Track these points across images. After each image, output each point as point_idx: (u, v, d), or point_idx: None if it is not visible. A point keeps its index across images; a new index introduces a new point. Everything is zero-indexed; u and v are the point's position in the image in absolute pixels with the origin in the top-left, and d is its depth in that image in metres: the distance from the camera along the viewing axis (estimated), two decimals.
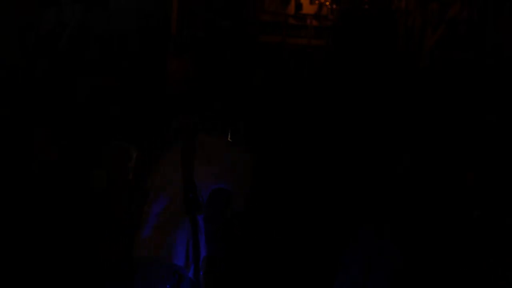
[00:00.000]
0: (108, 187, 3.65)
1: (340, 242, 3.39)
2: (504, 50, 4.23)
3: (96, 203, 3.59)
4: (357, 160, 4.01)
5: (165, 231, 3.13)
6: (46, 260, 3.46)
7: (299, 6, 6.43)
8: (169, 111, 4.55)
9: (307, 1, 6.48)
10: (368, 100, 4.44)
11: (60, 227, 3.50)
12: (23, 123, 3.94)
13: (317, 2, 6.45)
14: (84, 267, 3.50)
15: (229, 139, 3.46)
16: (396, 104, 4.20)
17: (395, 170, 3.46)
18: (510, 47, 4.24)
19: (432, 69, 5.21)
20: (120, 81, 4.77)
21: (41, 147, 3.64)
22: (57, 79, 4.73)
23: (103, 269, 3.53)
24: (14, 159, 3.62)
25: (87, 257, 3.51)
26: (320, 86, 5.21)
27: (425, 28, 5.73)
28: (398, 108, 4.01)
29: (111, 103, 4.34)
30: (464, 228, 2.95)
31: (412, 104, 4.31)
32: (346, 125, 4.35)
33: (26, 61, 4.64)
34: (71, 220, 3.51)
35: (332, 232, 3.55)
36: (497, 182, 3.01)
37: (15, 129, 3.89)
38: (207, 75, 4.76)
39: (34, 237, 3.46)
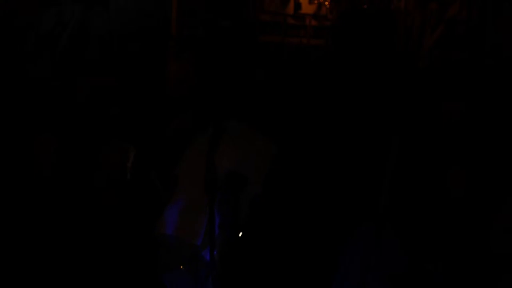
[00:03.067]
0: (106, 186, 3.68)
1: (339, 241, 3.39)
2: (503, 50, 4.22)
3: (96, 203, 3.62)
4: (356, 157, 4.02)
5: (187, 211, 3.26)
6: (46, 260, 3.48)
7: (298, 6, 6.42)
8: (169, 110, 4.57)
9: (306, 1, 6.47)
10: (367, 99, 4.44)
11: (60, 228, 3.52)
12: (23, 124, 3.95)
13: (316, 2, 6.45)
14: (84, 268, 3.52)
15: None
16: (394, 103, 4.21)
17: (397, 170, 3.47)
18: (509, 47, 4.23)
19: (431, 69, 5.21)
20: (120, 81, 4.78)
21: (41, 148, 3.66)
22: (58, 79, 4.74)
23: (104, 270, 3.56)
24: (15, 160, 3.63)
25: (87, 258, 3.53)
26: (319, 86, 5.22)
27: (425, 28, 5.74)
28: (397, 107, 4.02)
29: (111, 103, 4.35)
30: (469, 227, 2.96)
31: (411, 103, 4.31)
32: (345, 124, 4.35)
33: (26, 61, 4.64)
34: (72, 221, 3.53)
35: (331, 231, 3.55)
36: (496, 181, 3.01)
37: (15, 130, 3.90)
38: (208, 75, 4.78)
39: (34, 238, 3.48)
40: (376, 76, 4.80)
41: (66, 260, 3.46)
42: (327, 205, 3.85)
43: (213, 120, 3.48)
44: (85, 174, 3.65)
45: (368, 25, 6.03)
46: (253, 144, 3.35)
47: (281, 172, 3.52)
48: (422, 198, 3.11)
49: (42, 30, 4.97)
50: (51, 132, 3.75)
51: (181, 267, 3.23)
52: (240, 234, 3.27)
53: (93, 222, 3.54)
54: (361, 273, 3.06)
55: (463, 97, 3.53)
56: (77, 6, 5.10)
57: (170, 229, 3.26)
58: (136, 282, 3.56)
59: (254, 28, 6.10)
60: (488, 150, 3.15)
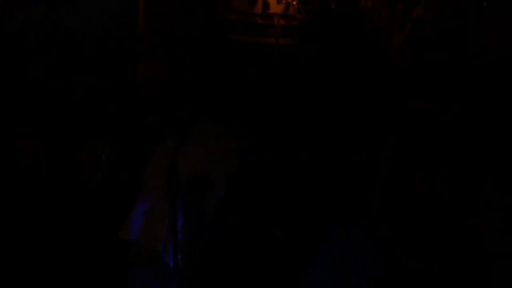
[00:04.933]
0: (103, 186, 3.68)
1: (320, 241, 3.40)
2: (488, 51, 4.26)
3: (92, 203, 3.59)
4: (340, 157, 4.04)
5: (149, 215, 3.21)
6: (43, 260, 3.45)
7: (266, 5, 6.45)
8: (144, 110, 4.52)
9: (274, 0, 6.50)
10: (349, 97, 4.47)
11: (57, 228, 3.49)
12: (21, 124, 3.89)
13: (284, 1, 6.48)
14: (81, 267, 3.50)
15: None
16: (379, 101, 4.25)
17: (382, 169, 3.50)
18: (494, 47, 4.27)
19: (402, 68, 5.27)
20: (104, 81, 4.73)
21: (41, 148, 3.62)
22: (30, 79, 4.66)
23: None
24: (13, 160, 3.59)
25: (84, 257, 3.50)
26: (295, 84, 5.23)
27: (393, 28, 5.82)
28: (388, 106, 4.07)
29: (107, 103, 4.31)
30: (464, 228, 3.00)
31: (397, 102, 4.35)
32: (327, 123, 4.37)
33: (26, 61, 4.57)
34: (69, 221, 3.50)
35: (324, 230, 3.55)
36: (492, 181, 3.06)
37: (13, 130, 3.85)
38: (179, 76, 4.74)
39: (32, 238, 3.44)
40: (354, 74, 4.84)
41: (63, 259, 3.44)
42: (308, 206, 3.86)
43: (178, 119, 3.46)
44: (82, 174, 3.63)
45: (336, 24, 6.08)
46: (219, 144, 3.33)
47: (250, 173, 3.52)
48: (416, 197, 3.15)
49: (10, 29, 4.87)
50: (49, 132, 3.72)
51: (146, 271, 3.20)
52: (205, 237, 3.25)
53: (89, 222, 3.52)
54: (358, 272, 3.08)
55: (453, 98, 3.60)
56: (44, 4, 5.02)
57: (133, 234, 3.21)
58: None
59: (224, 27, 6.09)
60: (482, 150, 3.20)
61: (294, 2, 6.49)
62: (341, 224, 3.24)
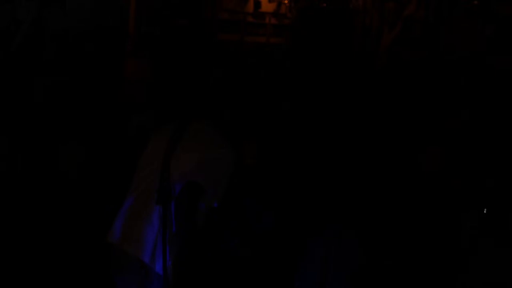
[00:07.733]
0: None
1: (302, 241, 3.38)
2: (456, 49, 4.27)
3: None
4: (318, 158, 4.02)
5: (136, 221, 3.11)
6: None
7: (257, 4, 6.43)
8: (127, 110, 4.51)
9: None
10: (330, 97, 4.45)
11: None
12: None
13: (275, 0, 6.46)
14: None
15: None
16: (354, 102, 4.23)
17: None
18: (461, 47, 4.27)
19: (389, 68, 5.24)
20: (76, 81, 4.72)
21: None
22: (12, 78, 4.65)
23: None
24: None
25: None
26: (278, 85, 5.22)
27: (383, 27, 5.78)
28: (362, 105, 4.04)
29: (70, 102, 4.29)
30: (438, 229, 2.99)
31: (369, 103, 4.34)
32: (309, 124, 4.35)
33: None
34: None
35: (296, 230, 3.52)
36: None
37: None
38: (166, 74, 4.73)
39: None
40: (335, 75, 4.82)
41: (55, 261, 3.45)
42: (301, 206, 3.82)
43: (174, 120, 3.39)
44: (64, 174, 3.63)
45: (327, 23, 6.06)
46: (214, 151, 3.21)
47: (242, 183, 3.48)
48: (405, 198, 3.14)
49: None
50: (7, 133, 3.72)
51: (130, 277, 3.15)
52: (194, 245, 3.20)
53: (78, 224, 3.52)
54: (321, 273, 3.06)
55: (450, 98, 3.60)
56: (32, 3, 5.01)
57: (117, 239, 3.13)
58: None
59: (212, 26, 6.08)
60: (481, 150, 3.18)
61: (286, 1, 6.46)
62: (328, 225, 3.22)
